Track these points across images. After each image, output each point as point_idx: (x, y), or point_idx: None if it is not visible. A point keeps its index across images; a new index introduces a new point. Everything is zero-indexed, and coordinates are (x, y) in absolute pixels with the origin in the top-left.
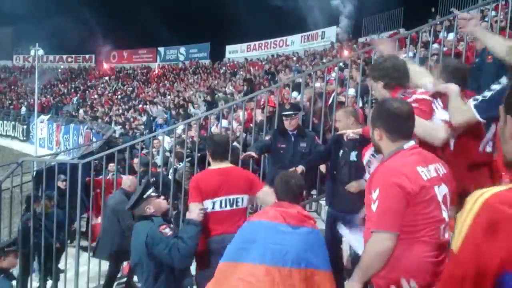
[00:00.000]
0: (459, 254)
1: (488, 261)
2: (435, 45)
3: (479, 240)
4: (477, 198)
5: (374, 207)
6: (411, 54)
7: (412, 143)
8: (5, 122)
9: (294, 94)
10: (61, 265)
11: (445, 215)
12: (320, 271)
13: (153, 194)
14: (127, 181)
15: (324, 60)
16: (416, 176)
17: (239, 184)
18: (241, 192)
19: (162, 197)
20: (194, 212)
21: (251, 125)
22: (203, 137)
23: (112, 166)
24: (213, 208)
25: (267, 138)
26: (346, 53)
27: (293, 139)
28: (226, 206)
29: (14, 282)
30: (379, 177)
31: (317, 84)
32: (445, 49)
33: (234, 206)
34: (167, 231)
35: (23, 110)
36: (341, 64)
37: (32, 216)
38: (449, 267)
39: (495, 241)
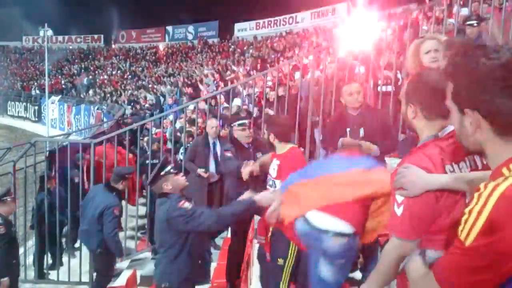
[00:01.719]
0: (472, 247)
1: (502, 257)
2: (450, 20)
3: (498, 236)
4: (492, 191)
5: (398, 211)
6: (425, 27)
7: (450, 128)
8: (17, 103)
9: (297, 74)
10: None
11: None
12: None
13: (172, 171)
14: None
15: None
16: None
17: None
18: None
19: (181, 173)
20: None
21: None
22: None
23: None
24: None
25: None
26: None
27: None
28: None
29: None
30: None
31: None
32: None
33: None
34: (187, 205)
35: (33, 90)
36: None
37: (46, 195)
38: (456, 255)
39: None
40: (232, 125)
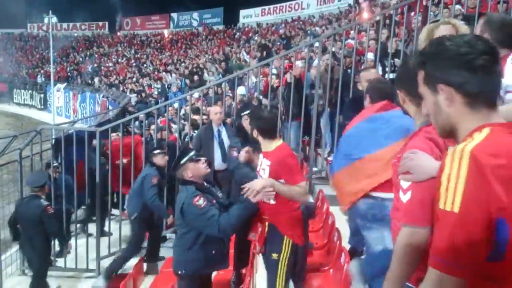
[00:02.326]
0: (462, 213)
1: (488, 213)
2: (458, 6)
3: (479, 194)
4: (462, 152)
5: (405, 197)
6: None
7: None
8: (22, 91)
9: (299, 62)
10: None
11: None
12: None
13: (193, 158)
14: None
15: (342, 24)
16: None
17: None
18: None
19: (203, 160)
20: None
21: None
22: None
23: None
24: None
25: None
26: (365, 15)
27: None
28: None
29: None
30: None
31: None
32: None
33: None
34: (201, 202)
35: (39, 78)
36: (359, 27)
37: (52, 183)
38: (448, 230)
39: (489, 192)
40: (241, 114)
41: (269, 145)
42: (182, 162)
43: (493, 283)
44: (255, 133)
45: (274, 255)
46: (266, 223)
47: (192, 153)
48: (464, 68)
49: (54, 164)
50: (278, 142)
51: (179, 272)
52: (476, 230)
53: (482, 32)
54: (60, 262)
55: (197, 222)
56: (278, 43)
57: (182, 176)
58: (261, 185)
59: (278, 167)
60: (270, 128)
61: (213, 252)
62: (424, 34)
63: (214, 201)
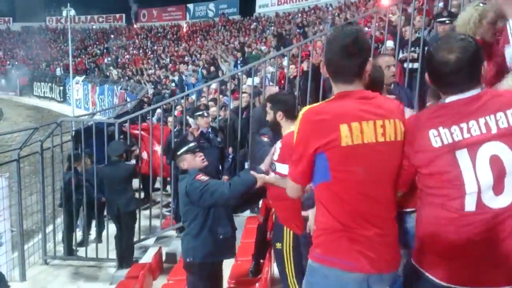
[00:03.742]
0: (295, 145)
1: (309, 148)
2: None
3: (303, 137)
4: (301, 112)
5: None
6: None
7: (458, 96)
8: (42, 84)
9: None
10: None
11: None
12: None
13: (191, 150)
14: None
15: (360, 12)
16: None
17: None
18: None
19: (200, 154)
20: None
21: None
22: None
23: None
24: None
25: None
26: (386, 1)
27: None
28: None
29: None
30: None
31: None
32: None
33: None
34: (203, 177)
35: (58, 71)
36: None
37: (73, 175)
38: (291, 160)
39: (311, 136)
40: (265, 103)
41: (288, 128)
42: (179, 152)
43: (328, 195)
44: (279, 116)
45: (278, 245)
46: (273, 210)
47: (191, 145)
48: (329, 54)
49: (85, 153)
50: (291, 125)
51: (188, 260)
52: (302, 160)
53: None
54: (81, 251)
55: (204, 195)
56: (296, 32)
57: (180, 167)
58: (261, 181)
59: (286, 151)
60: (292, 109)
61: (221, 237)
62: (475, 15)
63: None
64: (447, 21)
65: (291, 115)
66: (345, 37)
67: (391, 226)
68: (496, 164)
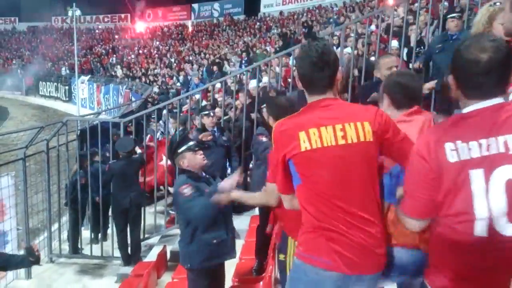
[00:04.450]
0: (271, 156)
1: (278, 156)
2: None
3: (274, 147)
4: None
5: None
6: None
7: (482, 104)
8: (48, 83)
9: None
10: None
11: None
12: None
13: (191, 148)
14: None
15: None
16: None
17: None
18: None
19: (200, 152)
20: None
21: (289, 79)
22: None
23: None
24: None
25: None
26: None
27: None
28: None
29: None
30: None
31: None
32: None
33: None
34: (187, 191)
35: (63, 71)
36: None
37: (79, 174)
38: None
39: (278, 146)
40: (262, 107)
41: None
42: (180, 150)
43: (304, 196)
44: (271, 121)
45: (281, 256)
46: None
47: (191, 143)
48: (301, 70)
49: (91, 152)
50: None
51: (186, 267)
52: (277, 168)
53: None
54: (86, 249)
55: (183, 211)
56: (301, 32)
57: (179, 165)
58: (226, 200)
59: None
60: (283, 114)
61: (214, 241)
62: (485, 16)
63: (207, 190)
64: (457, 16)
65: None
66: (312, 53)
67: (373, 228)
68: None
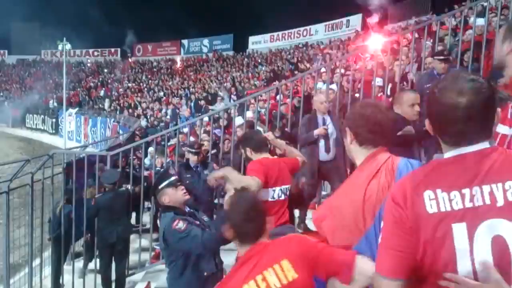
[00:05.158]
0: None
1: None
2: (469, 31)
3: None
4: None
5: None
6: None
7: (465, 150)
8: (35, 115)
9: (320, 85)
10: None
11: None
12: None
13: (172, 183)
14: None
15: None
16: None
17: (287, 173)
18: (289, 182)
19: (182, 187)
20: None
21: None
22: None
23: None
24: (273, 197)
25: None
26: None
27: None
28: (281, 196)
29: None
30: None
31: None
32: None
33: (283, 197)
34: (180, 225)
35: (51, 103)
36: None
37: (63, 208)
38: None
39: None
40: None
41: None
42: (160, 187)
43: None
44: (248, 152)
45: None
46: None
47: (172, 179)
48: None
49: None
50: (259, 156)
51: None
52: None
53: (504, 39)
54: (67, 286)
55: (182, 246)
56: (287, 68)
57: (161, 202)
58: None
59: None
60: (259, 143)
61: (205, 274)
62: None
63: (198, 222)
64: (443, 59)
65: (259, 149)
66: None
67: None
68: (499, 247)
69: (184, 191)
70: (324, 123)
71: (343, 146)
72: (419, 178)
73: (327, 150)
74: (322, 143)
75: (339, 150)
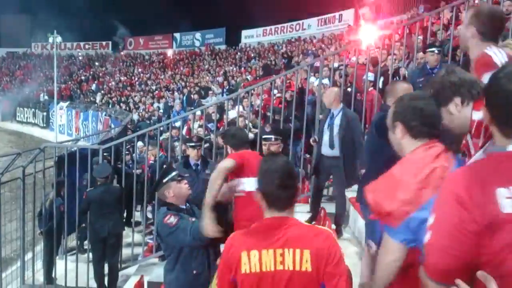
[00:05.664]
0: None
1: (224, 278)
2: (460, 26)
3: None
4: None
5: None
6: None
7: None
8: (25, 109)
9: (312, 79)
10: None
11: None
12: None
13: (175, 178)
14: None
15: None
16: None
17: None
18: None
19: (185, 181)
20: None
21: (268, 113)
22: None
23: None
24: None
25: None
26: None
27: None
28: None
29: None
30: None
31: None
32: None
33: None
34: (171, 220)
35: (42, 97)
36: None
37: (55, 201)
38: None
39: (223, 269)
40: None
41: None
42: (164, 180)
43: None
44: (229, 150)
45: None
46: None
47: (175, 173)
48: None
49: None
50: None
51: None
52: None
53: (469, 24)
54: (60, 279)
55: (172, 240)
56: (280, 62)
57: (164, 196)
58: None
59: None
60: (240, 141)
61: (194, 272)
62: None
63: (194, 219)
64: (436, 51)
65: (239, 146)
66: (278, 171)
67: None
68: None
69: (187, 186)
70: (331, 117)
71: (353, 146)
72: (486, 173)
73: (331, 145)
74: (326, 137)
75: (348, 151)
